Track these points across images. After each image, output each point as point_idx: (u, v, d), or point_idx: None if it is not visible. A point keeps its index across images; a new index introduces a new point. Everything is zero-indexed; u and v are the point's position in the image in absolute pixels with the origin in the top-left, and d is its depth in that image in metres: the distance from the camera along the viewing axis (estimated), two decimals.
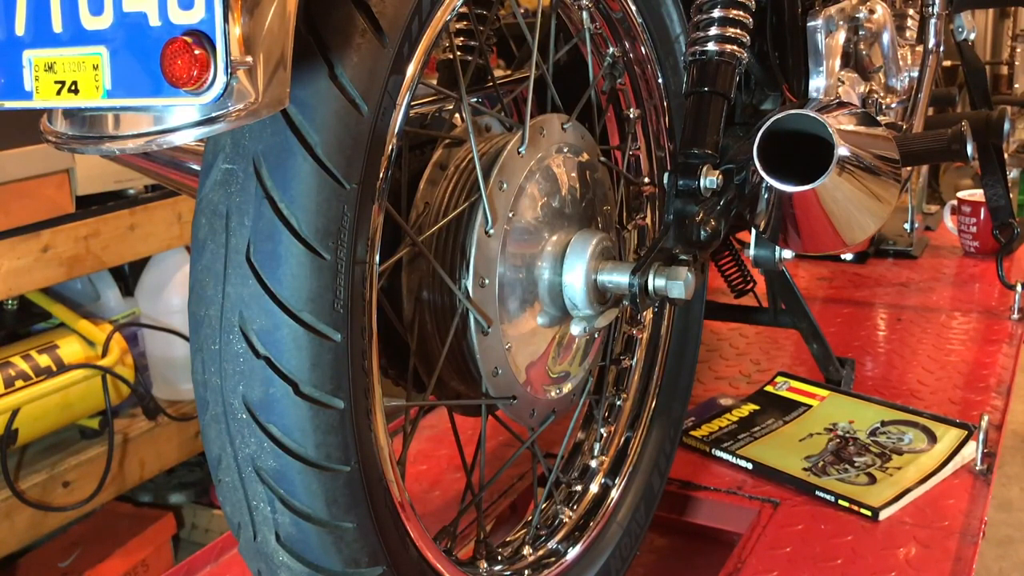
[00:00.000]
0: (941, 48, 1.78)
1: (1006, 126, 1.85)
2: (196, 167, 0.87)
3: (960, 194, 2.50)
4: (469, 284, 0.87)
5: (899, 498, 1.31)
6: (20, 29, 0.62)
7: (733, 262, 1.72)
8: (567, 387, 1.05)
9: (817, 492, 1.35)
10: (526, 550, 1.10)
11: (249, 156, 0.68)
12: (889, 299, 2.20)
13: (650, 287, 0.95)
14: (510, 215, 0.91)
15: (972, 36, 2.20)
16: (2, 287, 1.73)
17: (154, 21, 0.57)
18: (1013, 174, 2.70)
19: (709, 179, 1.00)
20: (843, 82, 1.46)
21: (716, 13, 1.03)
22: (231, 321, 0.69)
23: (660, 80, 1.18)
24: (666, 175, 1.03)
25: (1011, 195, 2.20)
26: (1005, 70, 4.10)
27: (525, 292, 0.94)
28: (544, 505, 1.15)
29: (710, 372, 1.83)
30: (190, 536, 2.29)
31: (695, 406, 1.63)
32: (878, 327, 2.03)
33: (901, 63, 1.64)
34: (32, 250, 1.78)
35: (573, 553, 1.12)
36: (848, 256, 2.46)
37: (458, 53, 1.20)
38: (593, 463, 1.21)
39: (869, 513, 1.29)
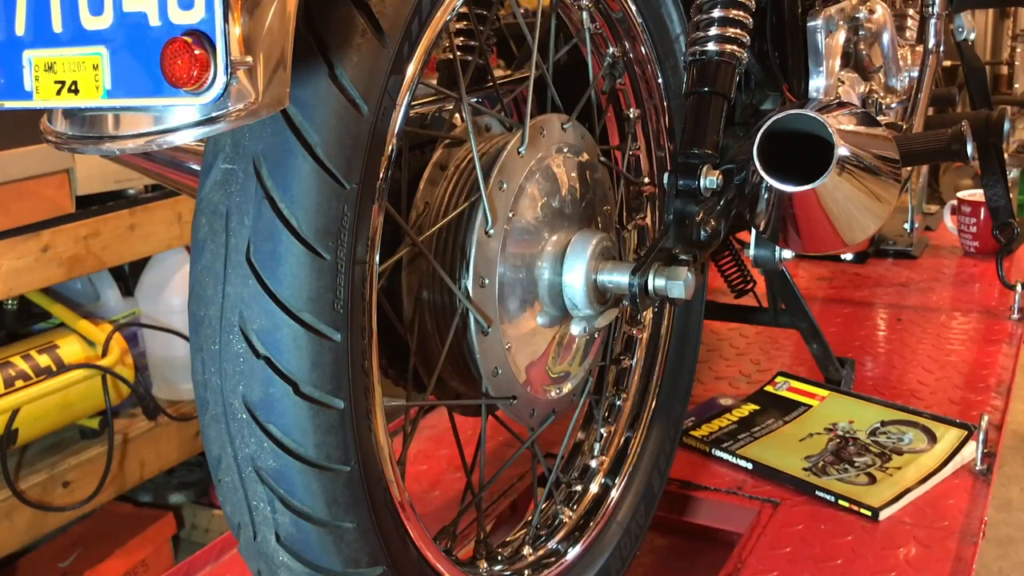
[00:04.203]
0: (941, 48, 1.78)
1: (1006, 126, 1.85)
2: (196, 167, 0.87)
3: (960, 194, 2.50)
4: (469, 284, 0.87)
5: (899, 498, 1.31)
6: (20, 29, 0.62)
7: (733, 262, 1.72)
8: (567, 387, 1.05)
9: (817, 492, 1.35)
10: (526, 550, 1.10)
11: (249, 156, 0.68)
12: (889, 299, 2.20)
13: (650, 287, 0.95)
14: (510, 215, 0.91)
15: (972, 36, 2.20)
16: (2, 287, 1.73)
17: (154, 21, 0.57)
18: (1013, 174, 2.70)
19: (709, 179, 1.00)
20: (843, 82, 1.46)
21: (716, 13, 1.03)
22: (231, 321, 0.69)
23: (660, 80, 1.18)
24: (666, 175, 1.03)
25: (1011, 195, 2.20)
26: (1005, 70, 4.10)
27: (525, 292, 0.94)
28: (544, 505, 1.15)
29: (710, 372, 1.83)
30: (190, 536, 2.29)
31: (695, 406, 1.63)
32: (878, 327, 2.03)
33: (901, 63, 1.64)
34: (32, 250, 1.78)
35: (573, 553, 1.12)
36: (848, 256, 2.46)
37: (458, 53, 1.20)
38: (593, 463, 1.21)
39: (869, 513, 1.29)
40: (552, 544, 1.12)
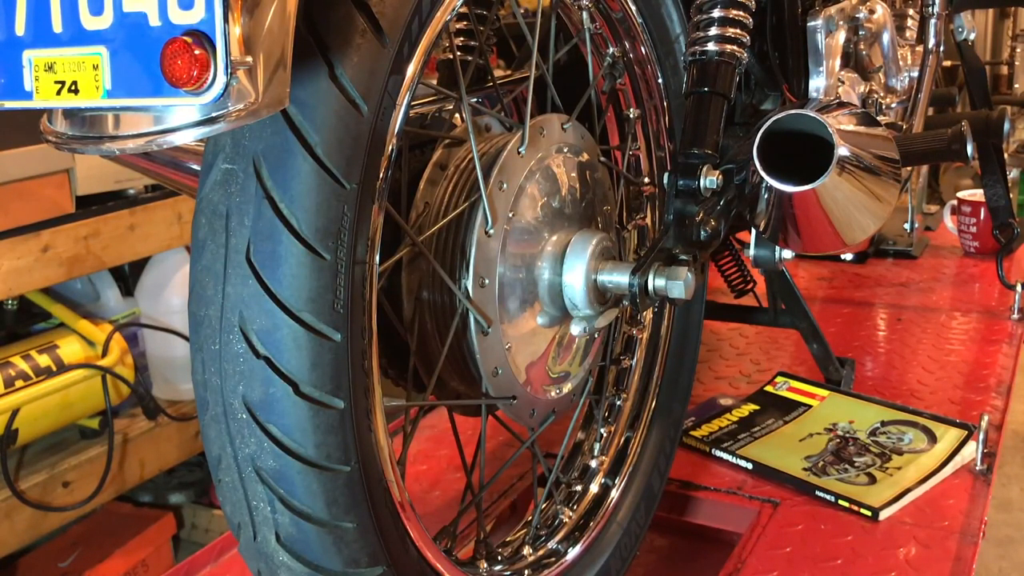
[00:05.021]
0: (941, 48, 1.78)
1: (1006, 126, 1.84)
2: (196, 167, 0.87)
3: (960, 194, 2.50)
4: (469, 284, 0.87)
5: (899, 498, 1.31)
6: (20, 29, 0.62)
7: (733, 262, 1.72)
8: (567, 387, 1.05)
9: (817, 492, 1.35)
10: (526, 550, 1.10)
11: (249, 156, 0.68)
12: (889, 299, 2.20)
13: (650, 287, 0.95)
14: (510, 215, 0.91)
15: (972, 36, 2.20)
16: (2, 287, 1.73)
17: (154, 21, 0.57)
18: (1013, 174, 2.70)
19: (709, 179, 1.00)
20: (843, 82, 1.46)
21: (716, 13, 1.03)
22: (231, 321, 0.69)
23: (660, 80, 1.18)
24: (666, 175, 1.03)
25: (1011, 195, 2.20)
26: (1005, 70, 4.10)
27: (525, 292, 0.94)
28: (544, 505, 1.15)
29: (710, 372, 1.83)
30: (190, 536, 2.29)
31: (695, 406, 1.63)
32: (878, 327, 2.03)
33: (901, 63, 1.64)
34: (32, 250, 1.78)
35: (573, 553, 1.12)
36: (848, 256, 2.46)
37: (458, 53, 1.20)
38: (593, 463, 1.21)
39: (869, 513, 1.29)
40: (552, 544, 1.12)
